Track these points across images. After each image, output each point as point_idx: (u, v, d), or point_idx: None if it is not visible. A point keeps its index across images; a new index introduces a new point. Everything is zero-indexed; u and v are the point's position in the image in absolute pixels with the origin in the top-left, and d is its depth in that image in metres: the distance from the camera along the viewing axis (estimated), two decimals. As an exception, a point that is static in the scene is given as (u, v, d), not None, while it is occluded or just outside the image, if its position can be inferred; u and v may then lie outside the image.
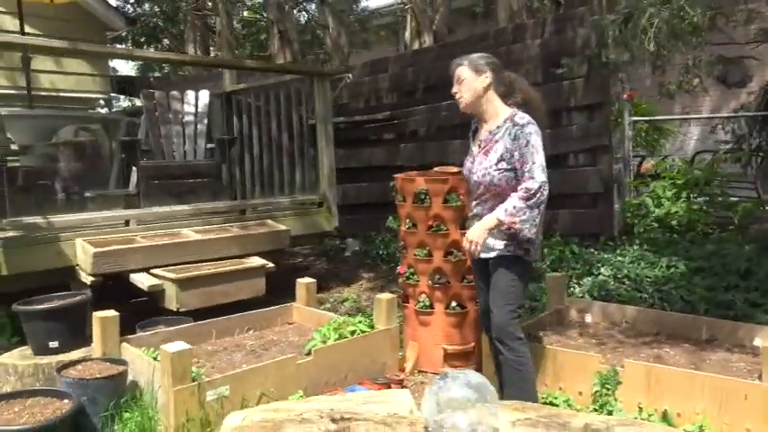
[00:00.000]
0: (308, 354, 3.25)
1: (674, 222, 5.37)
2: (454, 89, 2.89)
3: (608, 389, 2.92)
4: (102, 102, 7.86)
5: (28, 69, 6.48)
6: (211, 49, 11.27)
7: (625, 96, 5.85)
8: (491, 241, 2.79)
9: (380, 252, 6.39)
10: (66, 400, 2.72)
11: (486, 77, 2.81)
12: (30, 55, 6.62)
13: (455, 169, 3.71)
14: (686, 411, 2.70)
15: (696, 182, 5.41)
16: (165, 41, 11.44)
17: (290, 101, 5.66)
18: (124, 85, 9.47)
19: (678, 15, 4.26)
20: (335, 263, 6.65)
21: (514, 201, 2.67)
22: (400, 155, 6.62)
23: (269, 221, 4.91)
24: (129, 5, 10.92)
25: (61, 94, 8.36)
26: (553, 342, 3.44)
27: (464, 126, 5.73)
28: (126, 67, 12.00)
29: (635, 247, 5.14)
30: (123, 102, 12.12)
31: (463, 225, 3.69)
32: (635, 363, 2.88)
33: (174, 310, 3.92)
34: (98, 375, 2.85)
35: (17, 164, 4.96)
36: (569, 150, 5.49)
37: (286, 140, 5.66)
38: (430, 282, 3.70)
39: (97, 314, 3.18)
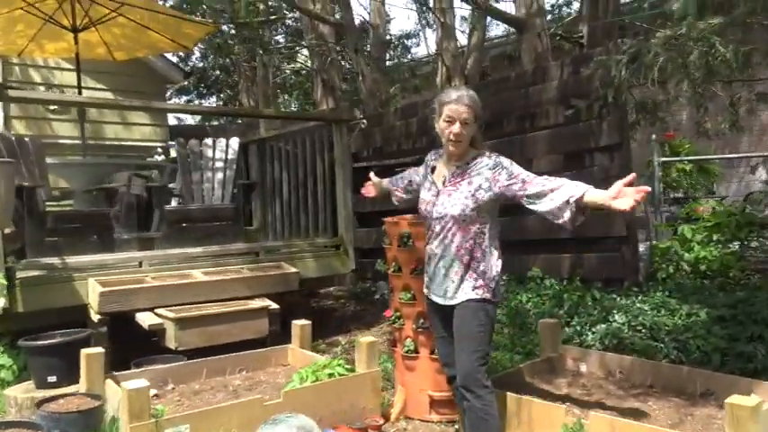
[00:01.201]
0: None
1: (703, 268, 5.05)
2: (459, 129, 2.68)
3: (574, 444, 2.77)
4: (159, 150, 8.36)
5: (83, 122, 7.01)
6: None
7: (653, 136, 5.63)
8: (461, 287, 2.74)
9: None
10: (39, 432, 2.88)
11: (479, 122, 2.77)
12: (86, 108, 7.17)
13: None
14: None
15: (728, 225, 5.09)
16: (227, 92, 12.18)
17: (314, 146, 5.84)
18: (185, 135, 10.05)
19: (711, 53, 4.10)
20: (364, 305, 6.67)
21: (556, 182, 2.62)
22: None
23: (283, 264, 5.02)
24: (192, 59, 11.78)
25: (123, 143, 9.00)
26: (538, 391, 3.31)
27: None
28: (191, 117, 12.85)
29: (658, 294, 4.87)
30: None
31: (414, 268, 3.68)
32: (599, 415, 2.72)
33: (174, 348, 4.07)
34: (70, 410, 3.00)
35: (55, 208, 5.37)
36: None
37: (310, 184, 5.83)
38: (414, 326, 3.66)
39: (84, 351, 3.35)
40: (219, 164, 6.06)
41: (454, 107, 2.68)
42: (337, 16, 8.25)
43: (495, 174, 2.67)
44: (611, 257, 5.25)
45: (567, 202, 2.55)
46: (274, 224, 6.48)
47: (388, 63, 8.24)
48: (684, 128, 7.23)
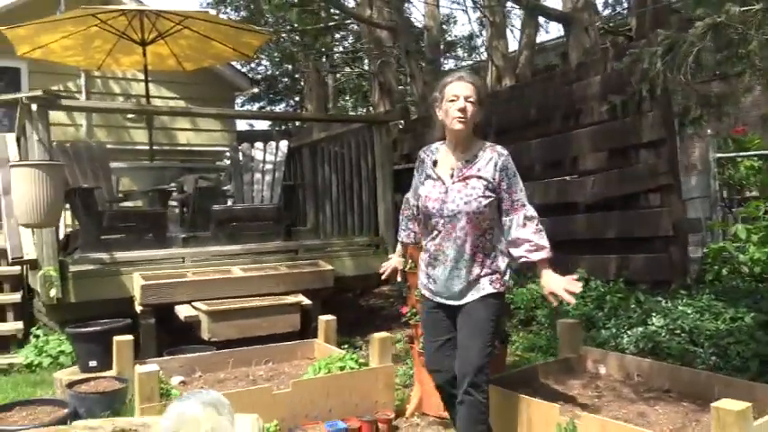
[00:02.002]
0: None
1: (758, 270, 4.74)
2: (464, 104, 2.56)
3: (567, 444, 2.71)
4: (227, 154, 8.76)
5: (150, 128, 7.49)
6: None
7: (708, 131, 5.34)
8: (478, 284, 2.69)
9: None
10: (66, 410, 3.14)
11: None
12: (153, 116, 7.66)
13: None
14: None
15: (785, 224, 4.75)
16: (294, 98, 12.59)
17: (359, 148, 5.96)
18: (251, 139, 10.48)
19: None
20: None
21: (529, 234, 2.58)
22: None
23: (320, 262, 5.16)
24: (262, 67, 12.25)
25: (194, 148, 9.50)
26: (549, 391, 3.25)
27: (525, 168, 5.61)
28: (263, 123, 13.32)
29: (705, 297, 4.62)
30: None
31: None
32: (591, 416, 2.65)
33: (207, 339, 4.29)
34: (96, 391, 3.24)
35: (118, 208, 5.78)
36: (637, 190, 5.13)
37: (356, 185, 5.95)
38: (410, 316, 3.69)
39: (116, 338, 3.61)
40: (269, 166, 6.29)
41: (457, 85, 2.58)
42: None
43: (499, 176, 2.60)
44: (659, 258, 5.03)
45: (518, 258, 2.64)
46: (324, 224, 6.65)
47: (452, 65, 8.24)
48: (754, 122, 6.77)
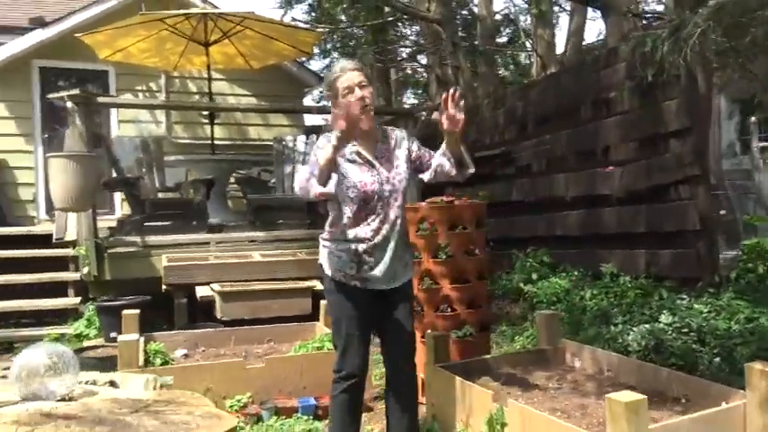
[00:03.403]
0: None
1: (790, 268, 4.37)
2: (361, 93, 2.51)
3: (495, 427, 2.72)
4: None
5: (212, 124, 8.00)
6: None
7: (752, 119, 4.96)
8: (407, 264, 2.78)
9: (496, 289, 6.27)
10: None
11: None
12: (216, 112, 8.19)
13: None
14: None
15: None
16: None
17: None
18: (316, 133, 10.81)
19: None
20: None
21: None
22: (516, 190, 6.50)
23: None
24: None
25: (264, 142, 9.98)
26: (511, 380, 3.24)
27: (559, 159, 5.52)
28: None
29: (726, 296, 4.33)
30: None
31: (436, 254, 3.70)
32: (515, 404, 2.64)
33: (219, 318, 4.60)
34: (93, 356, 3.63)
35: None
36: (664, 182, 4.87)
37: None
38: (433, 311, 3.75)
39: (124, 312, 3.98)
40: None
41: (349, 75, 2.54)
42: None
43: (410, 144, 2.65)
44: (686, 254, 4.77)
45: (443, 153, 2.56)
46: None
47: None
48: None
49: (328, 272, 2.65)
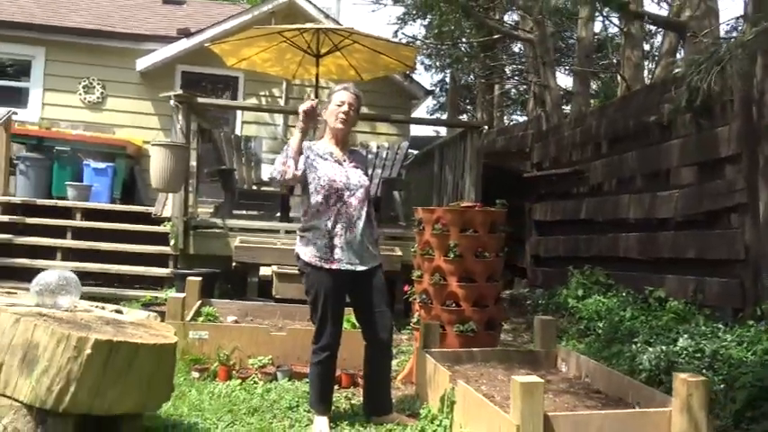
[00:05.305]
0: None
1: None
2: (347, 109, 3.13)
3: (446, 402, 3.04)
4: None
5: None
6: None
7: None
8: (373, 251, 3.26)
9: (550, 304, 6.39)
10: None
11: None
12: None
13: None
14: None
15: None
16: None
17: (457, 152, 6.38)
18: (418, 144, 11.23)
19: None
20: (510, 307, 6.89)
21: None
22: (586, 208, 6.55)
23: (395, 248, 5.79)
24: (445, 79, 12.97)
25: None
26: (487, 374, 3.51)
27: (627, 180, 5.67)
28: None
29: (761, 328, 4.20)
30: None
31: (447, 253, 4.01)
32: (462, 384, 2.93)
33: (274, 296, 5.22)
34: (156, 310, 4.36)
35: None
36: (713, 208, 4.79)
37: (449, 184, 6.43)
38: (418, 299, 4.13)
39: (188, 279, 4.71)
40: (388, 163, 7.07)
41: (343, 93, 3.16)
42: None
43: (368, 168, 3.25)
44: (729, 284, 4.66)
45: None
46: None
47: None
48: None
49: (304, 257, 3.14)
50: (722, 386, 3.69)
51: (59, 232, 6.61)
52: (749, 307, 4.53)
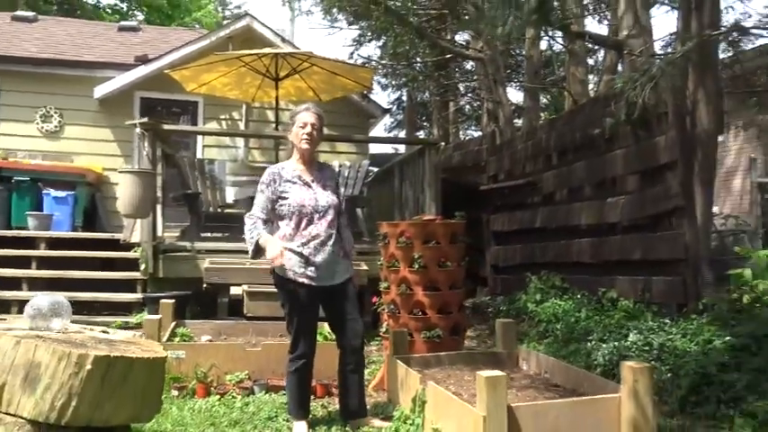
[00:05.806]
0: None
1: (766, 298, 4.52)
2: (310, 129, 3.29)
3: (417, 402, 3.25)
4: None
5: (277, 150, 8.96)
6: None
7: (752, 155, 5.15)
8: (345, 264, 3.46)
9: (510, 310, 6.67)
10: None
11: None
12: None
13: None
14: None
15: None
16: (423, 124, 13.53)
17: (416, 168, 6.67)
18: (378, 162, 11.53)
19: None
20: (473, 315, 7.17)
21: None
22: (540, 217, 6.89)
23: (361, 263, 6.00)
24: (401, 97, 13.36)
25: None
26: (454, 375, 3.74)
27: (577, 189, 5.98)
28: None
29: (703, 320, 4.56)
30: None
31: (411, 264, 4.26)
32: (432, 385, 3.16)
33: (245, 314, 5.37)
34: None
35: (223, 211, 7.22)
36: (654, 212, 5.17)
37: (410, 200, 6.69)
38: (386, 309, 4.36)
39: (162, 301, 4.83)
40: (351, 181, 7.30)
41: (306, 114, 3.32)
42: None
43: (337, 180, 3.53)
44: (673, 282, 5.02)
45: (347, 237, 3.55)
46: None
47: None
48: None
49: (280, 273, 3.30)
50: (669, 375, 4.01)
51: (24, 262, 6.61)
52: (692, 302, 4.89)
